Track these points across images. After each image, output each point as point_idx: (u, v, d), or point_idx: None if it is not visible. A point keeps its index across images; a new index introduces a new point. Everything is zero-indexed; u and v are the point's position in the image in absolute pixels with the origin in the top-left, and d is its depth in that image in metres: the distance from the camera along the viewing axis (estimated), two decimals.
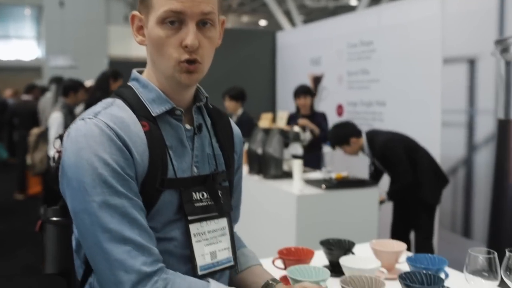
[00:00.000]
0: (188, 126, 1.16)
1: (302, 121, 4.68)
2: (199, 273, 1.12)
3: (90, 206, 1.00)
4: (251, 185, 3.73)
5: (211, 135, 1.23)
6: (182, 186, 1.11)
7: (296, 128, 4.22)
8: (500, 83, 3.57)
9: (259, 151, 3.92)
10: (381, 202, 3.63)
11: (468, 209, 3.93)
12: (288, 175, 3.82)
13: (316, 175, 3.98)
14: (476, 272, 1.39)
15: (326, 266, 1.66)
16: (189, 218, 1.12)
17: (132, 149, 1.04)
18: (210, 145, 1.21)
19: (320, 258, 1.79)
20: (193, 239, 1.12)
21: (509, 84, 3.51)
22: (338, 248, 1.74)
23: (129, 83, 1.17)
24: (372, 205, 3.57)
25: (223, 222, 1.20)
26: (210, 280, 1.10)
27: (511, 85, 3.49)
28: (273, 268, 1.60)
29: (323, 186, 3.45)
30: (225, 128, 1.28)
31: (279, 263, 1.68)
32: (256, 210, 3.73)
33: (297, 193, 3.35)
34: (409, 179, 3.56)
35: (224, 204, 1.19)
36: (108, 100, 1.13)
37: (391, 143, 3.67)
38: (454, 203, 4.00)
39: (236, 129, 1.33)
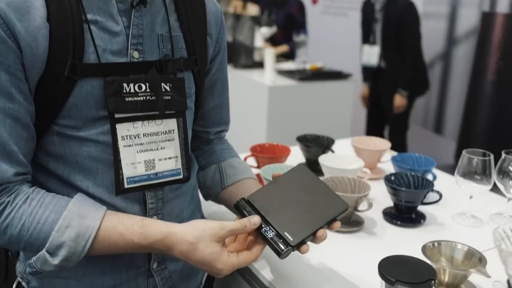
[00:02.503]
0: None
1: None
2: (126, 185, 0.90)
3: None
4: None
5: (169, 11, 0.95)
6: (109, 74, 0.86)
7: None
8: None
9: (229, 38, 3.68)
10: (398, 106, 3.51)
11: (441, 105, 3.84)
12: (259, 65, 3.63)
13: (289, 65, 3.79)
14: (468, 175, 1.28)
15: None
16: (116, 116, 0.87)
17: (17, 26, 0.79)
18: (166, 23, 0.94)
19: (295, 156, 1.64)
20: (121, 143, 0.88)
21: None
22: (316, 145, 1.60)
23: None
24: (346, 98, 3.44)
25: (170, 124, 0.94)
26: (77, 195, 0.87)
27: None
28: None
29: (297, 77, 3.28)
30: (193, 3, 1.00)
31: (252, 161, 1.53)
32: None
33: (269, 84, 3.18)
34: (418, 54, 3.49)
35: (171, 100, 0.92)
36: None
37: (412, 7, 3.48)
38: (428, 98, 3.90)
39: (211, 6, 1.04)
